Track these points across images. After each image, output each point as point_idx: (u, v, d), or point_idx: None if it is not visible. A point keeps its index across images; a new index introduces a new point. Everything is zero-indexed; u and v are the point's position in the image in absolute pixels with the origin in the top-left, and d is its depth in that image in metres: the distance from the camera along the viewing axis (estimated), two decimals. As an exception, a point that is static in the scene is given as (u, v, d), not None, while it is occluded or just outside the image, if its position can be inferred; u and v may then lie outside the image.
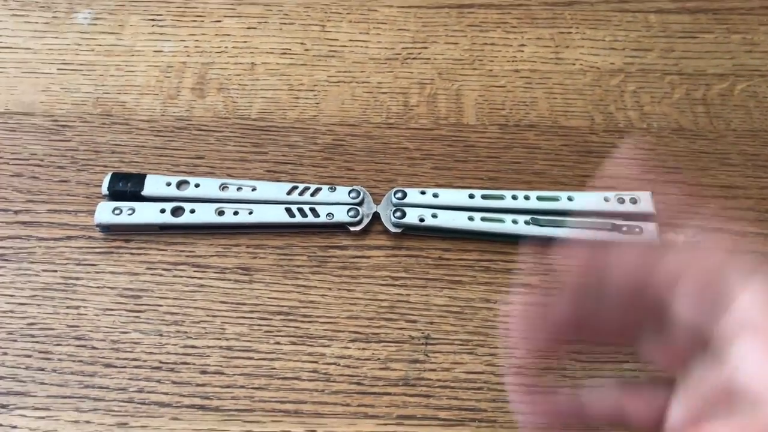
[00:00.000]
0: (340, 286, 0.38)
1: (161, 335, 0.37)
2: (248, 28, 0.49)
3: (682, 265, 0.23)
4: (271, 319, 0.37)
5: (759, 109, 0.45)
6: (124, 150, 0.43)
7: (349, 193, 0.40)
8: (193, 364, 0.36)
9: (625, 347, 0.36)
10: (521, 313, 0.26)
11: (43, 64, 0.47)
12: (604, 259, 0.25)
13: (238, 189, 0.40)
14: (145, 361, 0.36)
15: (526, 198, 0.40)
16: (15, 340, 0.36)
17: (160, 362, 0.36)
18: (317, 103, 0.46)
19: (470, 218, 0.39)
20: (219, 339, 0.37)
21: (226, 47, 0.48)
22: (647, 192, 0.40)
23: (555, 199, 0.40)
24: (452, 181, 0.42)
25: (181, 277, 0.39)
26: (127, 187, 0.40)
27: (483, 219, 0.39)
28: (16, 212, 0.41)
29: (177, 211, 0.40)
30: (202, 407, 0.35)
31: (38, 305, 0.38)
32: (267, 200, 0.40)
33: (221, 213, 0.39)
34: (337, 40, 0.49)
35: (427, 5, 0.51)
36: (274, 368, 0.36)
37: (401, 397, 0.35)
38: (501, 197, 0.40)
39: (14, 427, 0.34)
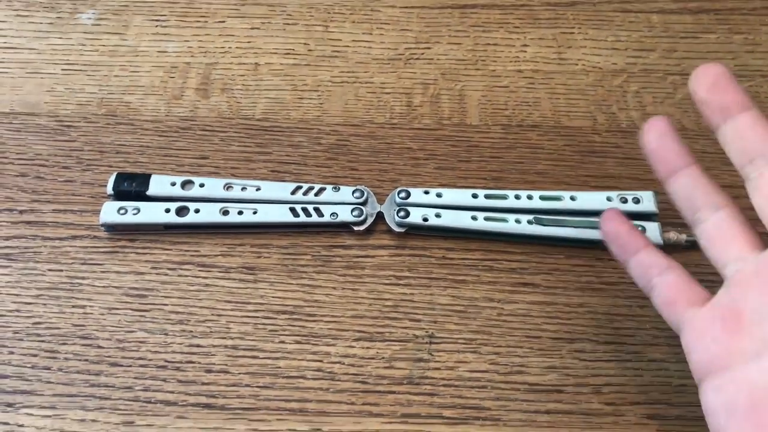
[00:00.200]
0: (344, 286, 0.39)
1: (166, 334, 0.37)
2: (252, 28, 0.49)
3: None
4: (275, 318, 0.37)
5: (762, 110, 0.45)
6: (129, 150, 0.43)
7: (353, 192, 0.40)
8: (199, 362, 0.36)
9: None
10: None
11: (47, 65, 0.47)
12: None
13: (243, 189, 0.41)
14: (150, 360, 0.36)
15: (529, 198, 0.40)
16: (21, 339, 0.37)
17: (166, 361, 0.36)
18: (321, 104, 0.46)
19: (474, 218, 0.39)
20: (224, 338, 0.37)
21: (229, 48, 0.48)
22: (650, 191, 0.40)
23: (558, 198, 0.40)
24: (455, 181, 0.42)
25: (186, 276, 0.39)
26: (131, 187, 0.40)
27: (486, 219, 0.39)
28: (21, 212, 0.41)
29: (182, 211, 0.40)
30: (207, 406, 0.35)
31: (44, 304, 0.38)
32: (271, 200, 0.40)
33: (226, 213, 0.40)
34: (341, 40, 0.49)
35: (430, 5, 0.51)
36: (279, 367, 0.36)
37: (406, 396, 0.35)
38: (504, 197, 0.40)
39: (21, 425, 0.34)
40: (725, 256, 0.29)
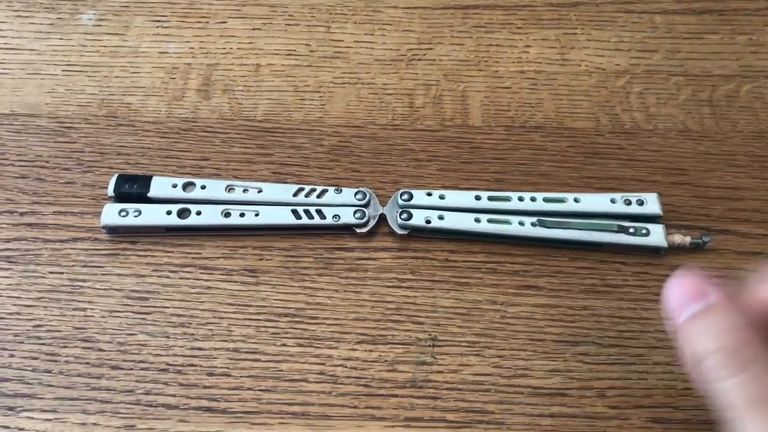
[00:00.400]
0: (346, 288, 0.38)
1: (168, 337, 0.37)
2: (253, 29, 0.49)
3: None
4: (277, 321, 0.37)
5: (765, 111, 0.45)
6: (130, 152, 0.43)
7: (355, 194, 0.40)
8: (200, 366, 0.36)
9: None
10: None
11: (47, 66, 0.47)
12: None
13: (244, 191, 0.40)
14: (152, 363, 0.36)
15: (533, 199, 0.40)
16: (22, 343, 0.36)
17: (167, 364, 0.36)
18: (323, 105, 0.46)
19: (477, 220, 0.39)
20: (226, 341, 0.37)
21: (231, 48, 0.48)
22: (654, 193, 0.40)
23: (561, 200, 0.40)
24: (458, 183, 0.42)
25: (188, 278, 0.38)
26: (133, 189, 0.40)
27: (489, 221, 0.39)
28: (21, 214, 0.41)
29: (183, 213, 0.40)
30: (209, 409, 0.35)
31: (45, 307, 0.37)
32: (273, 202, 0.40)
33: (227, 215, 0.39)
34: (342, 41, 0.49)
35: (432, 6, 0.51)
36: (281, 370, 0.36)
37: (408, 399, 0.35)
38: (507, 199, 0.40)
39: (21, 429, 0.34)
40: None
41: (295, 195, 0.40)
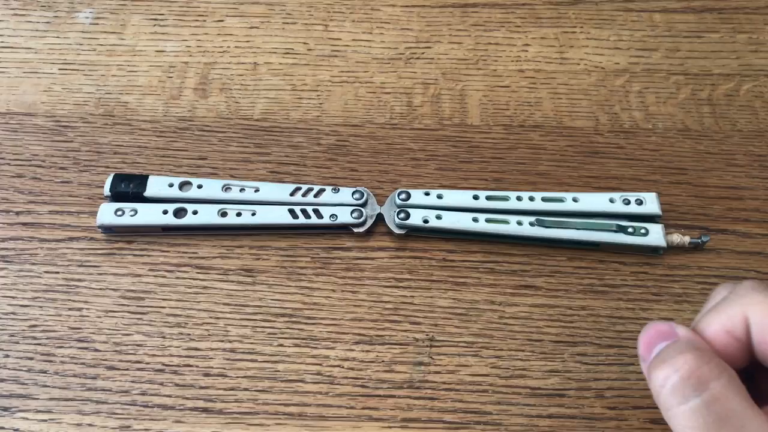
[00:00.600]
0: (343, 288, 0.38)
1: (164, 337, 0.36)
2: (251, 27, 0.49)
3: None
4: (274, 321, 0.37)
5: (765, 110, 0.45)
6: (127, 151, 0.43)
7: (353, 194, 0.40)
8: (196, 366, 0.36)
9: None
10: None
11: (44, 64, 0.47)
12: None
13: (241, 190, 0.40)
14: (147, 363, 0.36)
15: (531, 199, 0.40)
16: (17, 343, 0.36)
17: (163, 364, 0.36)
18: (320, 104, 0.45)
19: (475, 219, 0.39)
20: (222, 341, 0.36)
21: (228, 47, 0.48)
22: (653, 193, 0.40)
23: (560, 200, 0.40)
24: (456, 182, 0.42)
25: (184, 278, 0.38)
26: (129, 188, 0.40)
27: (487, 220, 0.39)
28: (17, 213, 0.40)
29: (180, 213, 0.39)
30: (205, 410, 0.34)
31: (40, 307, 0.37)
32: (270, 201, 0.40)
33: (224, 214, 0.39)
34: (340, 39, 0.49)
35: (431, 5, 0.50)
36: (278, 371, 0.36)
37: (406, 400, 0.35)
38: (506, 198, 0.40)
39: (16, 430, 0.34)
40: None
41: (292, 194, 0.40)
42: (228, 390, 0.35)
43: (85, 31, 0.49)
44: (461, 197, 0.40)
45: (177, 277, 0.38)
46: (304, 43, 0.48)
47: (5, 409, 0.34)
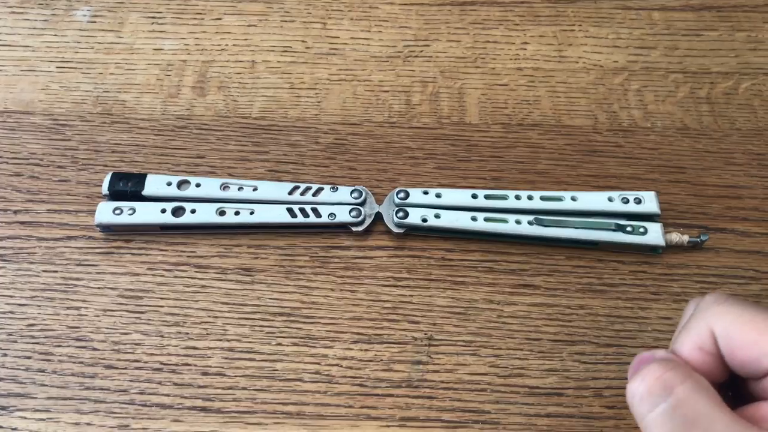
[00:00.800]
0: (342, 287, 0.38)
1: (162, 336, 0.36)
2: (249, 25, 0.49)
3: None
4: (273, 320, 0.37)
5: (764, 108, 0.45)
6: (125, 149, 0.43)
7: (351, 193, 0.40)
8: (195, 365, 0.36)
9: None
10: None
11: (42, 62, 0.47)
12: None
13: (240, 189, 0.40)
14: (146, 362, 0.36)
15: (530, 198, 0.40)
16: (15, 342, 0.36)
17: (161, 363, 0.36)
18: (319, 102, 0.45)
19: (473, 218, 0.39)
20: (220, 340, 0.36)
21: (226, 45, 0.48)
22: (652, 192, 0.40)
23: (558, 199, 0.40)
24: (455, 181, 0.42)
25: (182, 277, 0.38)
26: (127, 187, 0.40)
27: (486, 219, 0.39)
28: (15, 212, 0.40)
29: (178, 211, 0.39)
30: (203, 409, 0.34)
31: (38, 306, 0.37)
32: (268, 200, 0.40)
33: (222, 213, 0.39)
34: (339, 37, 0.48)
35: (429, 3, 0.50)
36: (276, 370, 0.36)
37: (404, 399, 0.35)
38: (504, 197, 0.40)
39: (14, 429, 0.34)
40: None
41: (290, 193, 0.40)
42: (226, 389, 0.35)
43: (82, 29, 0.48)
44: (460, 196, 0.40)
45: (175, 276, 0.38)
46: (303, 41, 0.48)
47: (3, 408, 0.34)
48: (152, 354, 0.36)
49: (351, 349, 0.36)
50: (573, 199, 0.40)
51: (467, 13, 0.50)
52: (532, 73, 0.47)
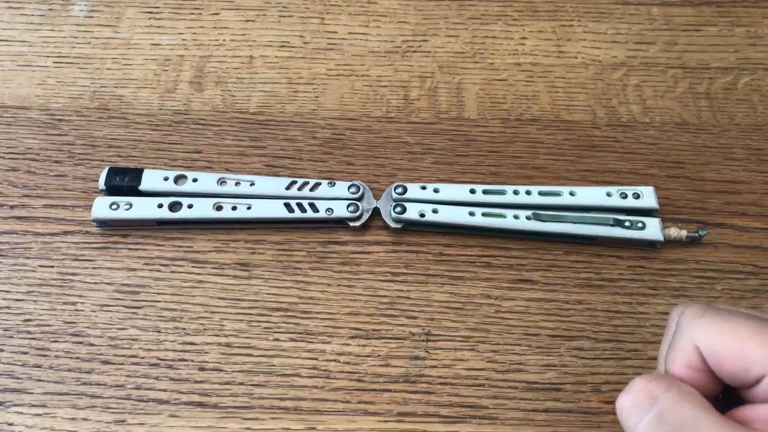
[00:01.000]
0: (339, 282, 0.38)
1: (159, 331, 0.36)
2: (246, 20, 0.49)
3: None
4: (270, 316, 0.37)
5: (763, 103, 0.45)
6: (122, 144, 0.43)
7: (349, 188, 0.40)
8: (192, 360, 0.36)
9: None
10: None
11: (38, 57, 0.47)
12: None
13: (237, 184, 0.40)
14: (142, 357, 0.36)
15: (528, 193, 0.40)
16: (11, 337, 0.36)
17: (158, 359, 0.36)
18: (316, 97, 0.45)
19: (471, 213, 0.39)
20: (218, 335, 0.36)
21: (224, 40, 0.48)
22: (650, 187, 0.40)
23: (557, 194, 0.40)
24: (453, 176, 0.42)
25: (179, 272, 0.38)
26: (124, 182, 0.40)
27: (484, 214, 0.39)
28: (11, 207, 0.40)
29: (175, 206, 0.39)
30: (200, 404, 0.34)
31: (35, 301, 0.37)
32: (266, 195, 0.40)
33: (219, 208, 0.39)
34: (337, 32, 0.48)
35: (428, -2, 0.50)
36: (274, 365, 0.35)
37: (402, 394, 0.35)
38: (502, 192, 0.40)
39: (10, 424, 0.34)
40: None
41: (287, 188, 0.40)
42: (223, 384, 0.35)
43: (79, 24, 0.48)
44: (458, 191, 0.40)
45: (172, 271, 0.38)
46: (300, 36, 0.48)
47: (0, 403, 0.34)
48: (149, 349, 0.36)
49: (348, 344, 0.36)
50: (571, 194, 0.40)
51: (466, 8, 0.50)
52: (531, 68, 0.47)
